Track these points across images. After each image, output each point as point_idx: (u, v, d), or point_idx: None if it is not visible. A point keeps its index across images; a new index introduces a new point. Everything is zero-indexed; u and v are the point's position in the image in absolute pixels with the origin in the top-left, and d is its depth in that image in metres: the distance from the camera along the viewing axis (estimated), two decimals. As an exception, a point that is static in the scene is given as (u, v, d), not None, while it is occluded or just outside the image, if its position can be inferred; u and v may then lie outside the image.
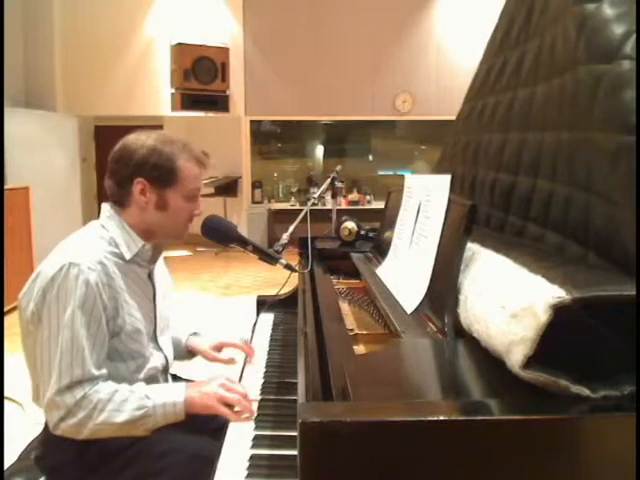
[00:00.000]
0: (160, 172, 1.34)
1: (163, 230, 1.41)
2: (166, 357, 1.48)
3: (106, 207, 1.40)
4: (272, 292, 1.99)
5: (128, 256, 1.36)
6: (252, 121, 8.11)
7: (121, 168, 1.36)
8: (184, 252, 7.68)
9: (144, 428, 1.26)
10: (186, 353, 1.65)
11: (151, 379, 1.40)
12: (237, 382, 1.38)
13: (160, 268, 1.54)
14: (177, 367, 1.62)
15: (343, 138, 8.61)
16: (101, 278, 1.27)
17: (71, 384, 1.22)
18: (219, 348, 1.63)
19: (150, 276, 1.45)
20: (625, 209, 0.90)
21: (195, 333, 1.68)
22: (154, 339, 1.45)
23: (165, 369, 1.49)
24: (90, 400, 1.22)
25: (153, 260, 1.45)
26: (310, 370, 1.10)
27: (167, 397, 1.27)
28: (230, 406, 1.26)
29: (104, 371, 1.27)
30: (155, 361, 1.43)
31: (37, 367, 1.26)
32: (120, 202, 1.39)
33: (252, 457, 1.10)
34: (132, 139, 1.37)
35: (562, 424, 0.72)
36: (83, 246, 1.31)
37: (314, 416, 0.70)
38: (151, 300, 1.45)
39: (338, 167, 3.03)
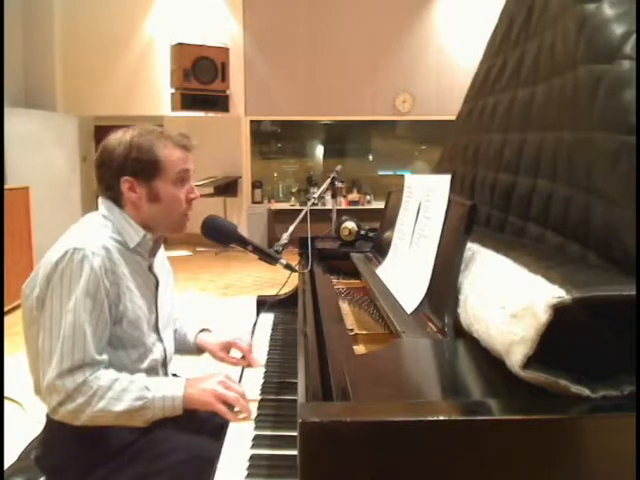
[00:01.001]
0: (143, 165, 1.34)
1: (163, 222, 1.40)
2: (165, 350, 1.49)
3: (105, 201, 1.40)
4: (272, 292, 1.99)
5: (132, 244, 1.37)
6: (252, 121, 8.12)
7: (105, 172, 1.37)
8: (184, 252, 7.68)
9: (142, 419, 1.26)
10: (195, 349, 1.65)
11: (152, 370, 1.41)
12: (236, 381, 1.38)
13: (161, 260, 1.54)
14: (177, 367, 1.62)
15: (343, 138, 8.61)
16: (105, 263, 1.27)
17: (72, 368, 1.22)
18: (227, 348, 1.61)
19: (150, 268, 1.46)
20: (625, 209, 0.90)
21: (204, 329, 1.67)
22: (156, 330, 1.45)
23: (164, 362, 1.49)
24: (90, 386, 1.22)
25: (153, 253, 1.46)
26: (310, 370, 1.10)
27: (167, 391, 1.27)
28: (229, 405, 1.26)
29: (105, 357, 1.28)
30: (156, 352, 1.43)
31: (39, 352, 1.26)
32: (114, 201, 1.39)
33: (252, 457, 1.10)
34: (109, 140, 1.38)
35: (562, 424, 0.72)
36: (87, 232, 1.33)
37: (314, 416, 0.70)
38: (153, 291, 1.45)
39: (338, 167, 3.02)
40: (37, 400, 1.33)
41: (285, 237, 1.99)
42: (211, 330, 1.69)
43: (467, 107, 1.85)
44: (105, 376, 1.25)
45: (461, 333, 1.02)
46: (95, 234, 1.32)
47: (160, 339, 1.46)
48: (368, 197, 8.21)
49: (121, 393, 1.24)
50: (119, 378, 1.26)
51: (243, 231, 1.67)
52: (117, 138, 1.37)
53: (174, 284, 1.61)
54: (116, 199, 1.39)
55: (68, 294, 1.23)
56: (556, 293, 0.74)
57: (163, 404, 1.26)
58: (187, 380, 1.32)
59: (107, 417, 1.24)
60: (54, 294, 1.24)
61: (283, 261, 1.64)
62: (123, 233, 1.36)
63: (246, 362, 1.55)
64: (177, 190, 1.38)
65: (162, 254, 1.57)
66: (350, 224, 2.14)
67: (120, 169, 1.35)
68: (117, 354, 1.33)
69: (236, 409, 1.26)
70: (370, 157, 8.69)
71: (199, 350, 1.65)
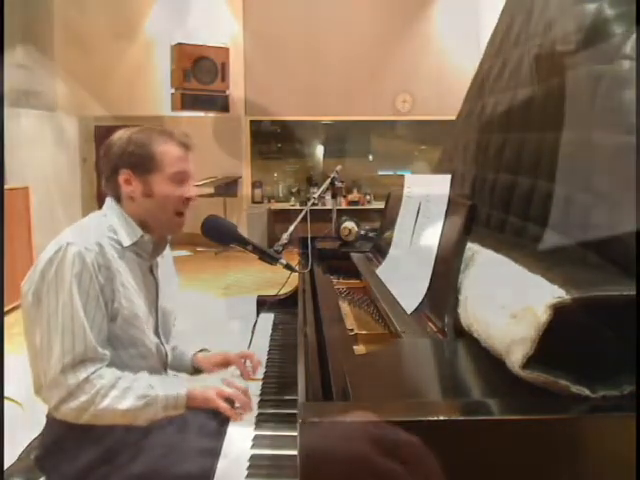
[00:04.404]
0: (138, 159, 1.36)
1: (155, 219, 1.40)
2: (167, 353, 1.49)
3: (109, 199, 1.43)
4: (272, 292, 1.99)
5: (126, 243, 1.37)
6: (252, 121, 8.12)
7: (105, 164, 1.40)
8: (184, 252, 7.68)
9: (144, 418, 1.26)
10: (190, 367, 1.60)
11: (153, 370, 1.40)
12: (237, 378, 1.38)
13: (166, 265, 1.54)
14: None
15: (343, 138, 8.60)
16: (97, 259, 1.28)
17: (74, 362, 1.22)
18: (221, 365, 1.55)
19: (152, 270, 1.45)
20: (625, 209, 0.90)
21: (203, 350, 1.63)
22: (157, 333, 1.45)
23: (165, 364, 1.49)
24: (93, 384, 1.22)
25: (155, 254, 1.46)
26: (310, 370, 1.10)
27: (170, 389, 1.27)
28: (231, 403, 1.26)
29: (107, 352, 1.28)
30: (158, 355, 1.44)
31: (38, 348, 1.26)
32: (116, 197, 1.41)
33: (252, 457, 1.10)
34: (113, 136, 1.41)
35: (562, 424, 0.72)
36: (82, 229, 1.34)
37: (314, 416, 0.70)
38: (153, 293, 1.45)
39: (338, 167, 3.02)
40: (37, 400, 1.32)
41: (285, 237, 1.99)
42: (207, 349, 1.64)
43: (467, 107, 1.85)
44: (108, 375, 1.25)
45: (461, 333, 1.02)
46: (90, 231, 1.33)
47: (161, 342, 1.46)
48: (368, 197, 8.21)
49: (125, 391, 1.24)
50: (122, 376, 1.26)
51: (243, 231, 1.67)
52: (119, 134, 1.41)
53: (177, 289, 1.61)
54: (116, 193, 1.41)
55: (63, 289, 1.24)
56: (556, 293, 0.74)
57: (166, 402, 1.26)
58: (190, 378, 1.32)
59: (111, 416, 1.24)
60: (50, 289, 1.24)
61: (283, 261, 1.64)
62: (119, 232, 1.37)
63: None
64: (173, 188, 1.39)
65: (170, 261, 1.57)
66: (350, 224, 2.14)
67: (118, 162, 1.37)
68: (117, 353, 1.32)
69: (237, 405, 1.26)
70: (370, 157, 8.67)
71: (195, 369, 1.59)
